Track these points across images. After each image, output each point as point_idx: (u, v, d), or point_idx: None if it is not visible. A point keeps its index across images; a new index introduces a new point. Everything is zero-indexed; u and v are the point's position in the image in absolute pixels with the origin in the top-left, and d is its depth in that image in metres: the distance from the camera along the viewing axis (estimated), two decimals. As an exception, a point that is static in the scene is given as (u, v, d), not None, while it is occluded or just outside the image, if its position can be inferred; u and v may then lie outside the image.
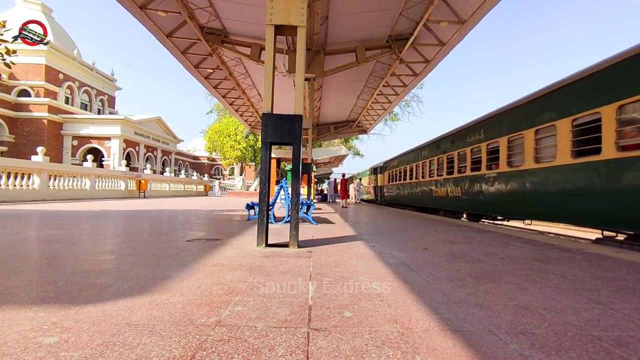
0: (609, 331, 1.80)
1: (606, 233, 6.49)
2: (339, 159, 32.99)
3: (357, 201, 28.45)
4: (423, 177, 14.70)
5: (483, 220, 10.84)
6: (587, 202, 5.99)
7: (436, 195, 13.05)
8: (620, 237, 6.20)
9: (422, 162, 14.83)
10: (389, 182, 21.67)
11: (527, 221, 9.29)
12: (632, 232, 5.75)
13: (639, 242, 5.57)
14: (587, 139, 5.97)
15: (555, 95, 6.86)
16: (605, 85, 5.67)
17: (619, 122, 5.34)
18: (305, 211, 7.78)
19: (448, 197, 11.79)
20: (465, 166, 10.56)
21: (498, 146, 8.71)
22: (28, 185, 15.24)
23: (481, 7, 7.45)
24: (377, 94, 14.60)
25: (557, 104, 6.75)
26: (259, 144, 32.07)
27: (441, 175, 12.48)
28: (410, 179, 16.57)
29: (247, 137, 35.07)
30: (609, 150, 5.47)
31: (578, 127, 6.20)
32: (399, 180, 18.79)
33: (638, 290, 2.59)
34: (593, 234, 7.02)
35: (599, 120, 5.66)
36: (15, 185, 14.58)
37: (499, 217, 10.34)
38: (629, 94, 5.18)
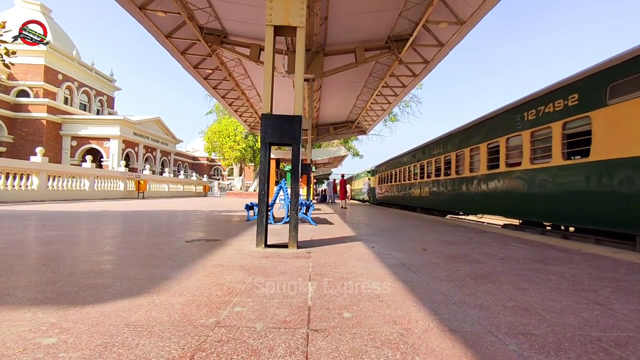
0: (608, 332, 1.80)
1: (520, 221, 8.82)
2: (338, 160, 32.96)
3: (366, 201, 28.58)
4: (404, 180, 17.46)
5: (449, 215, 13.23)
6: (496, 200, 8.73)
7: (413, 195, 15.74)
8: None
9: (403, 168, 17.65)
10: (379, 184, 24.51)
11: (479, 215, 11.64)
12: (521, 220, 8.48)
13: (526, 227, 8.23)
14: (494, 157, 8.78)
15: (480, 126, 9.66)
16: (501, 124, 8.51)
17: (507, 148, 8.23)
18: (304, 212, 7.78)
19: (421, 197, 14.53)
20: (431, 172, 13.33)
21: (450, 159, 11.50)
22: (27, 186, 15.21)
23: (480, 8, 7.45)
24: (377, 95, 14.59)
25: (481, 133, 9.56)
26: (259, 145, 32.04)
27: (416, 179, 15.32)
28: (395, 181, 19.41)
29: (246, 137, 35.02)
30: (502, 166, 8.34)
31: (490, 149, 9.03)
32: (386, 182, 21.64)
33: (637, 291, 2.59)
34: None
35: (498, 146, 8.57)
36: (14, 186, 14.56)
37: (461, 213, 12.47)
38: (511, 132, 8.05)
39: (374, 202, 26.27)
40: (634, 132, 5.03)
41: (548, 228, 7.69)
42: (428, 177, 13.71)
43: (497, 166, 8.53)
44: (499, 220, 11.41)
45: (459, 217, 13.28)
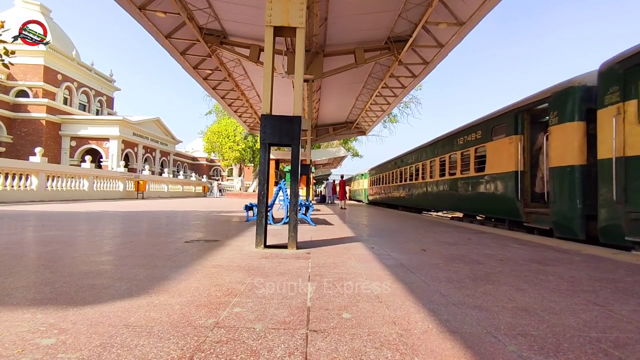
0: (608, 333, 1.80)
1: (458, 215, 11.96)
2: (337, 160, 32.95)
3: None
4: (388, 183, 21.16)
5: (424, 212, 16.13)
6: (446, 199, 11.80)
7: (395, 196, 19.22)
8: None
9: (387, 173, 21.20)
10: (370, 186, 28.28)
11: (443, 211, 14.71)
12: (462, 213, 11.20)
13: (466, 218, 10.96)
14: (442, 168, 11.96)
15: (435, 145, 12.92)
16: (447, 145, 11.70)
17: (449, 162, 11.41)
18: (303, 212, 7.77)
19: (401, 197, 18.00)
20: (407, 177, 16.79)
21: (419, 167, 14.85)
22: (26, 186, 15.18)
23: (480, 9, 7.46)
24: (376, 96, 14.60)
25: (436, 149, 12.78)
26: (258, 145, 32.04)
27: (396, 182, 19.01)
28: (382, 184, 23.15)
29: (245, 138, 35.02)
30: (446, 174, 11.57)
31: (440, 162, 12.21)
32: (375, 185, 25.58)
33: (636, 292, 2.59)
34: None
35: (445, 160, 11.75)
36: (13, 186, 14.53)
37: (432, 210, 15.76)
38: (450, 151, 11.34)
39: (367, 202, 29.77)
40: (500, 158, 8.28)
41: (479, 218, 10.30)
42: (405, 181, 17.12)
43: (444, 174, 11.80)
44: (451, 214, 14.26)
45: (431, 213, 16.45)
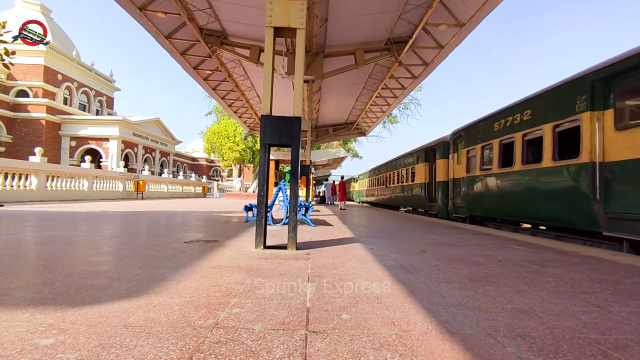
0: (607, 334, 1.80)
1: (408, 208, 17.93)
2: (337, 161, 32.91)
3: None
4: (371, 186, 27.14)
5: (401, 209, 19.67)
6: (401, 199, 17.77)
7: (375, 197, 25.05)
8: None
9: (371, 178, 27.45)
10: (359, 189, 34.67)
11: (405, 208, 19.18)
12: (411, 208, 16.90)
13: (415, 211, 16.39)
14: (398, 177, 18.21)
15: (396, 161, 18.66)
16: (401, 162, 17.81)
17: (400, 174, 17.84)
18: (303, 213, 7.77)
19: (379, 198, 23.76)
20: (381, 183, 22.84)
21: (391, 173, 19.83)
22: (25, 186, 15.18)
23: (480, 10, 7.47)
24: (376, 97, 14.62)
25: (395, 165, 18.86)
26: (258, 146, 32.00)
27: (377, 186, 24.66)
28: (369, 186, 28.53)
29: (245, 138, 34.97)
30: (400, 182, 17.96)
31: (397, 173, 18.31)
32: (364, 187, 31.63)
33: (635, 294, 2.59)
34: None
35: (399, 172, 18.05)
36: (12, 186, 14.52)
37: (402, 208, 19.88)
38: (402, 167, 17.50)
39: (358, 202, 35.90)
40: (420, 174, 14.33)
41: (421, 210, 15.00)
42: (381, 185, 22.96)
43: (398, 182, 18.04)
44: (405, 209, 19.13)
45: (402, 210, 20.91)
